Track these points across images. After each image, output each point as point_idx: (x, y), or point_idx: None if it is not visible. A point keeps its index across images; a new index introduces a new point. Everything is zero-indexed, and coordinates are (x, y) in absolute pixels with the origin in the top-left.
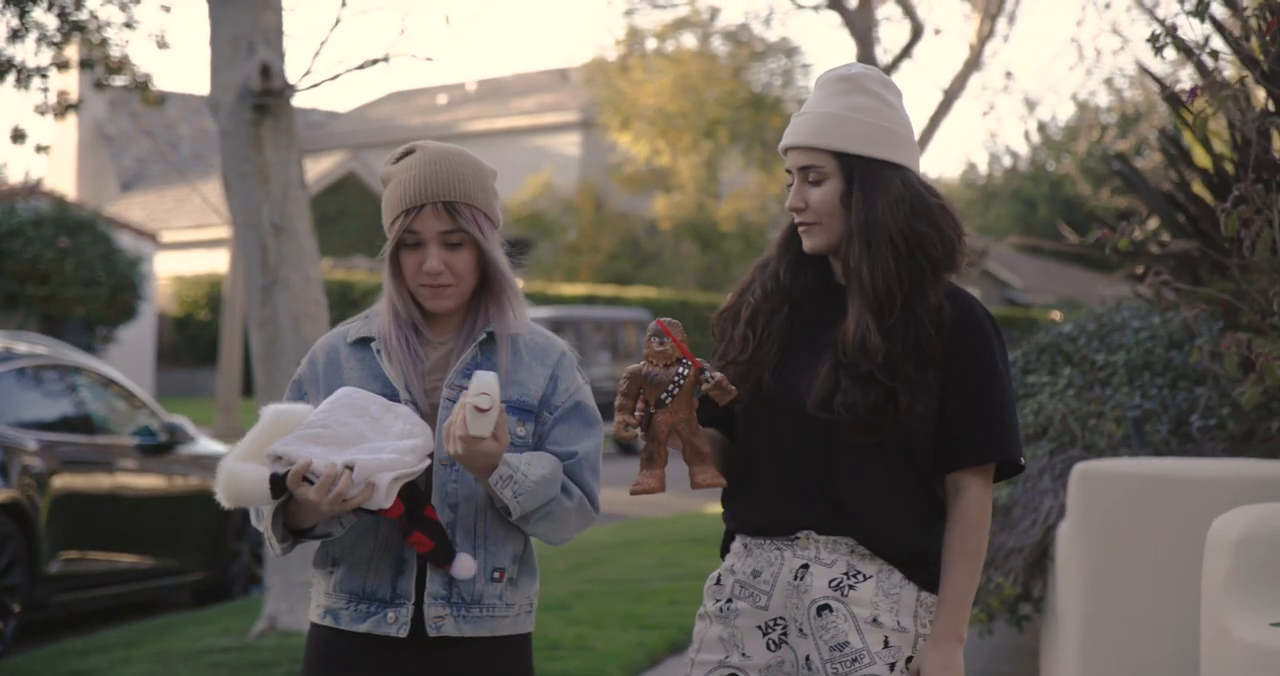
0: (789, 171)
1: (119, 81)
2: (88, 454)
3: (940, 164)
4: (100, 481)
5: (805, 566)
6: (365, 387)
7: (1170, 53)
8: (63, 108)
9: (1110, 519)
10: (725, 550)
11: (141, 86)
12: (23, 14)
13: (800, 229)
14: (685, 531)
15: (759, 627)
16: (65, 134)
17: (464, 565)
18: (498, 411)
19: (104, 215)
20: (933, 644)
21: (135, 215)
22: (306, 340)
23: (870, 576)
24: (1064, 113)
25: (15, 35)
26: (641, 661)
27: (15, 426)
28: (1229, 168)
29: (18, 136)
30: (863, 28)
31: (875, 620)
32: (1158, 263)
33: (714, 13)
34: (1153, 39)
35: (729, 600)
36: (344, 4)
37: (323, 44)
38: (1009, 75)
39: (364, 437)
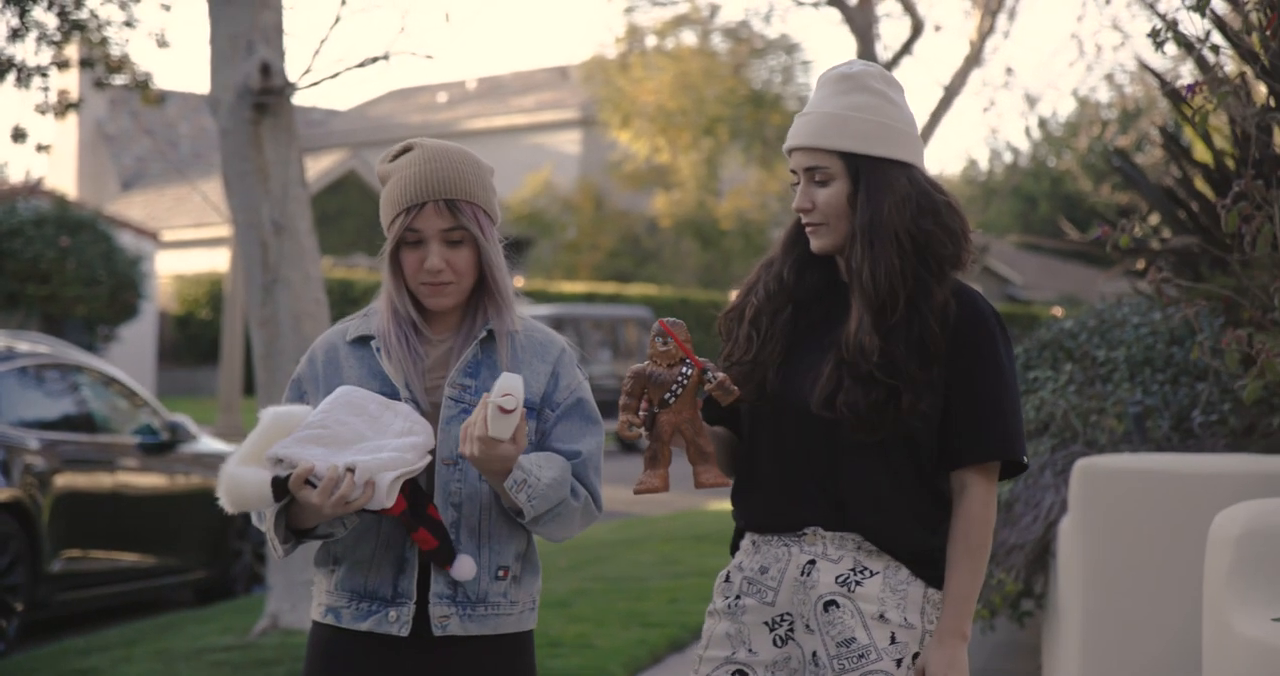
0: (794, 172)
1: (119, 80)
2: (89, 453)
3: (941, 160)
4: (102, 480)
5: (812, 562)
6: (365, 386)
7: (1171, 48)
8: (63, 107)
9: (1112, 514)
10: (735, 548)
11: (141, 85)
12: (23, 13)
13: (808, 229)
14: (686, 529)
15: (766, 623)
16: (65, 133)
17: (465, 566)
18: (520, 414)
19: (104, 214)
20: (937, 642)
21: (136, 214)
22: (307, 339)
23: (877, 572)
24: (1065, 109)
25: (15, 34)
26: (643, 659)
27: (17, 425)
28: (1230, 163)
29: (18, 136)
30: (863, 24)
31: (882, 616)
32: (1159, 259)
33: (714, 10)
34: (1153, 34)
35: (737, 597)
36: (344, 2)
37: (322, 42)
38: (1009, 71)
39: (363, 436)
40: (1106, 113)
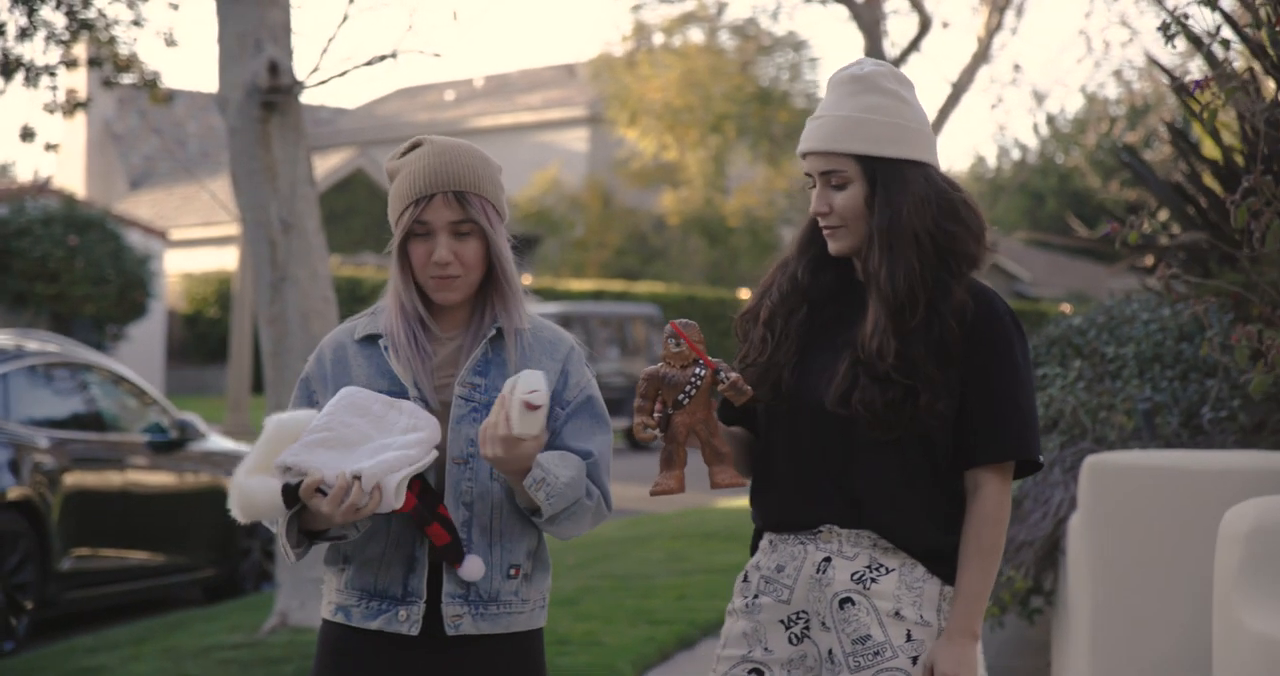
0: (809, 175)
1: (127, 79)
2: (99, 451)
3: (948, 157)
4: (111, 478)
5: (827, 559)
6: (373, 385)
7: (1180, 44)
8: (71, 106)
9: (1121, 511)
10: (755, 547)
11: (150, 84)
12: (31, 12)
13: (825, 232)
14: (694, 527)
15: (781, 621)
16: (74, 132)
17: (474, 566)
18: (545, 411)
19: (113, 213)
20: (946, 640)
21: (144, 213)
22: (315, 337)
23: (893, 569)
24: (1073, 105)
25: (24, 33)
26: (651, 656)
27: (26, 424)
28: (1239, 159)
29: (26, 135)
30: (870, 21)
31: (898, 613)
32: (1167, 255)
33: (721, 7)
34: (1163, 28)
35: (755, 595)
36: (351, 1)
37: (330, 41)
38: (1017, 68)
39: (369, 437)
40: (1115, 109)
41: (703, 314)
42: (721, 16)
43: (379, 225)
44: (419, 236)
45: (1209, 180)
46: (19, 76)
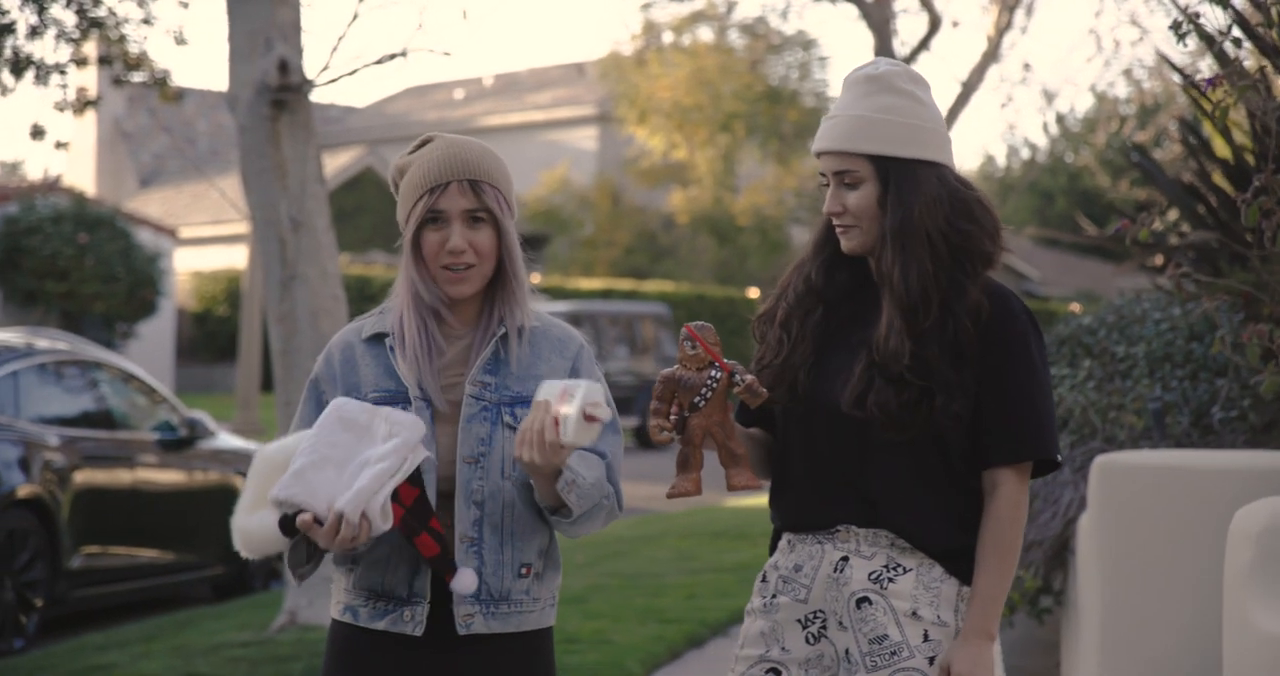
0: (823, 174)
1: (137, 78)
2: (108, 449)
3: (958, 156)
4: (121, 476)
5: (845, 559)
6: (380, 384)
7: (1190, 43)
8: (81, 104)
9: (1131, 511)
10: (774, 547)
11: (160, 82)
12: (41, 11)
13: (839, 231)
14: (703, 525)
15: (799, 621)
16: (84, 130)
17: (466, 580)
18: (603, 425)
19: (123, 211)
20: (962, 641)
21: (153, 211)
22: (324, 335)
23: (910, 569)
24: (1082, 104)
25: (34, 32)
26: (660, 655)
27: (36, 422)
28: (1249, 158)
29: (37, 133)
30: (880, 20)
31: (915, 613)
32: (1177, 254)
33: (730, 6)
34: (1175, 26)
35: (773, 595)
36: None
37: (340, 39)
38: (1027, 67)
39: (355, 452)
40: (1125, 108)
41: (712, 312)
42: (731, 15)
43: (388, 223)
44: (432, 226)
45: (1219, 179)
46: (29, 75)
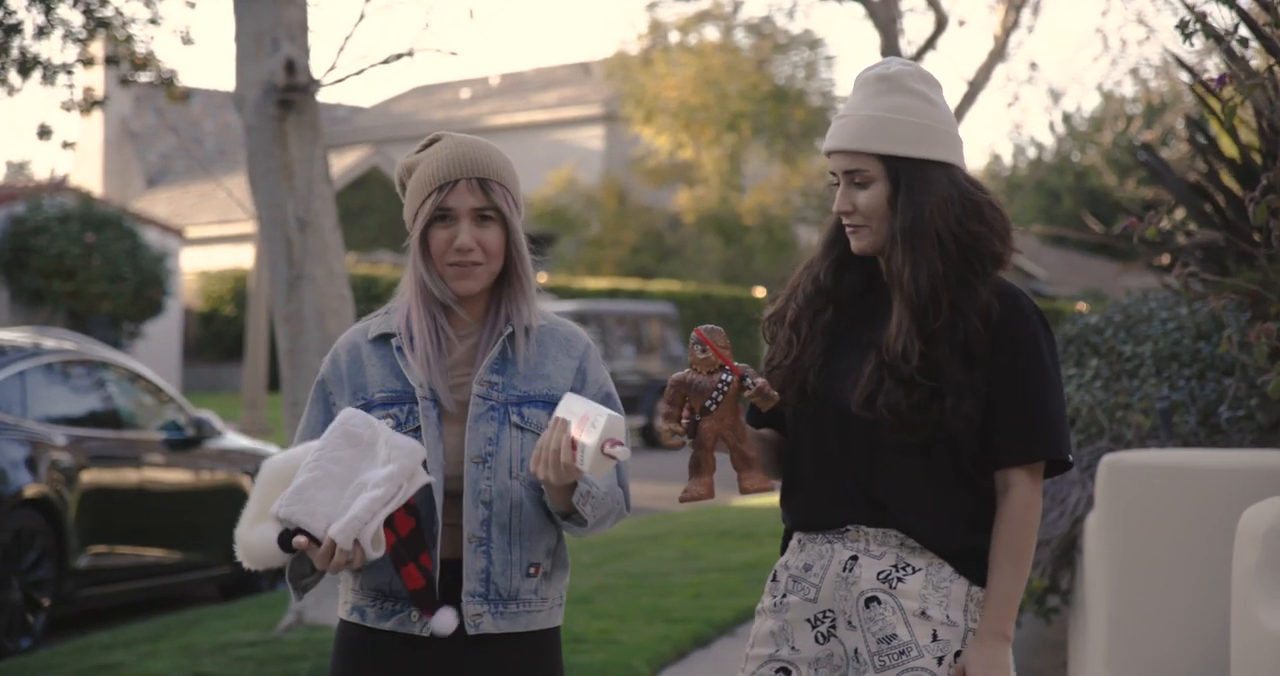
0: (833, 173)
1: (144, 78)
2: (115, 448)
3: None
4: (128, 476)
5: (854, 558)
6: (386, 385)
7: (1197, 42)
8: (88, 104)
9: (1138, 510)
10: (785, 548)
11: (167, 82)
12: (48, 10)
13: (848, 230)
14: (709, 525)
15: (808, 620)
16: (91, 130)
17: (444, 620)
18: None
19: (129, 211)
20: (977, 642)
21: (160, 211)
22: (331, 335)
23: (919, 569)
24: (1089, 103)
25: (41, 32)
26: (667, 654)
27: (43, 421)
28: (1256, 157)
29: (44, 133)
30: (886, 19)
31: (924, 613)
32: (1184, 253)
33: (737, 5)
34: (1182, 26)
35: (783, 595)
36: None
37: (347, 39)
38: (1034, 66)
39: (357, 470)
40: (1131, 107)
41: (718, 312)
42: (737, 15)
43: (394, 223)
44: (440, 224)
45: (1226, 178)
46: (36, 74)
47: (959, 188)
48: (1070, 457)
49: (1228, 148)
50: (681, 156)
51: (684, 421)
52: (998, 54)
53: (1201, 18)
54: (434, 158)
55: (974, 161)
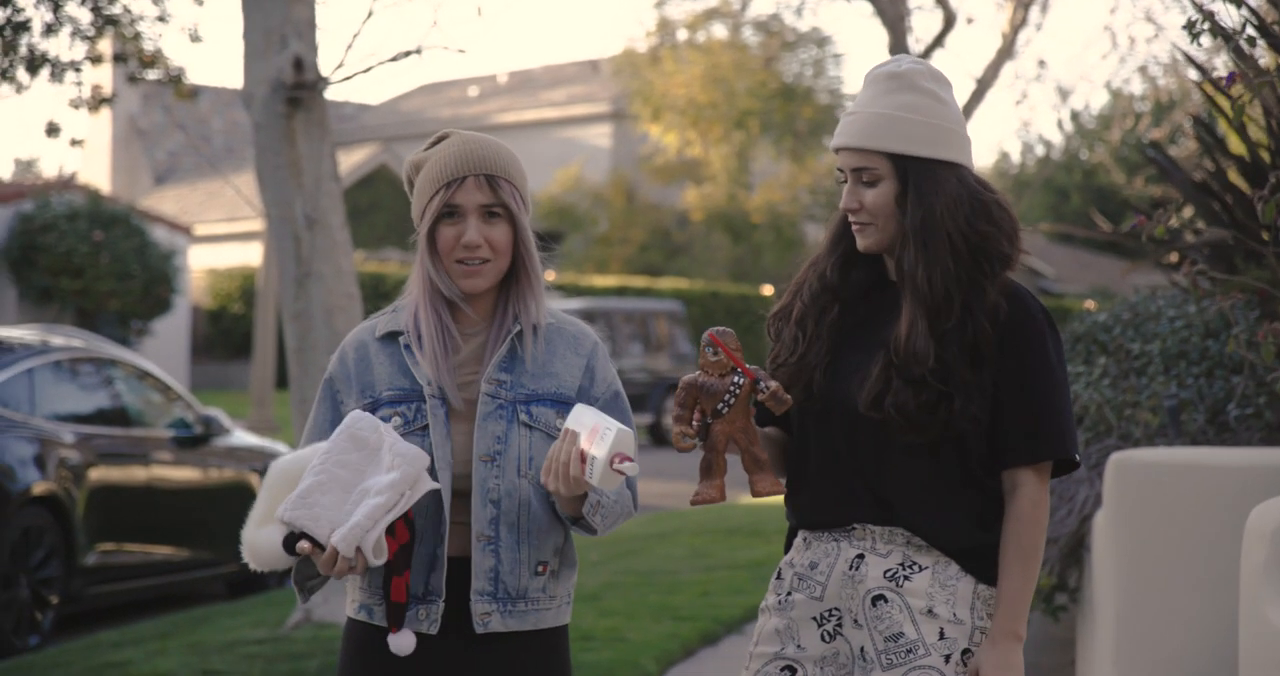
0: (840, 170)
1: (152, 75)
2: (123, 446)
3: (973, 153)
4: (136, 473)
5: (861, 556)
6: (394, 383)
7: (1205, 41)
8: (96, 101)
9: (1146, 508)
10: (789, 546)
11: (175, 80)
12: (57, 8)
13: (854, 228)
14: (717, 522)
15: (814, 619)
16: (99, 128)
17: (404, 640)
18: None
19: (137, 209)
20: (991, 643)
21: (168, 208)
22: (339, 332)
23: (926, 567)
24: (1097, 101)
25: (49, 29)
26: (675, 652)
27: (52, 419)
28: (1265, 155)
29: (52, 130)
30: (894, 17)
31: (930, 611)
32: (1193, 251)
33: (745, 3)
34: (1189, 25)
35: (788, 592)
36: None
37: (355, 37)
38: (1042, 64)
39: (362, 474)
40: (1139, 105)
41: (726, 310)
42: (745, 12)
43: (402, 221)
44: (448, 221)
45: (1234, 176)
46: (44, 72)
47: (968, 188)
48: (1078, 457)
49: (1236, 146)
50: (689, 154)
51: (695, 424)
52: (1006, 52)
53: (1210, 16)
54: (442, 155)
55: (982, 159)
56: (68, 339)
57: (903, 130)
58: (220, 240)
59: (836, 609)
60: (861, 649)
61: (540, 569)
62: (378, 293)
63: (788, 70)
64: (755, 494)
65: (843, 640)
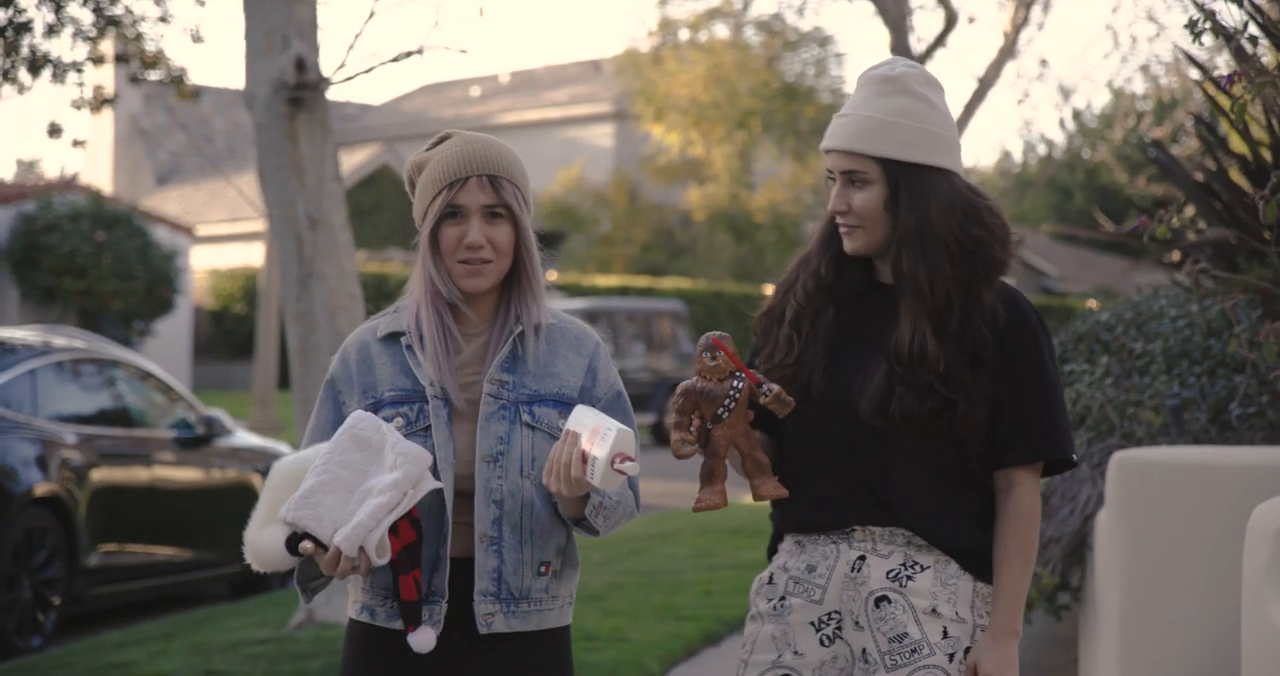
0: (830, 172)
1: (154, 76)
2: (126, 447)
3: (975, 152)
4: (138, 474)
5: (862, 558)
6: (396, 383)
7: (1206, 40)
8: (98, 102)
9: (1149, 507)
10: (773, 550)
11: (177, 81)
12: (58, 9)
13: (842, 230)
14: (720, 522)
15: (812, 623)
16: (101, 128)
17: (424, 638)
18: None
19: (140, 209)
20: (992, 641)
21: (171, 209)
22: (342, 333)
23: (928, 567)
24: (1099, 100)
25: (51, 30)
26: (678, 652)
27: (54, 420)
28: (1266, 154)
29: (54, 131)
30: (896, 16)
31: (934, 610)
32: (1195, 250)
33: (747, 2)
34: (1191, 25)
35: (782, 598)
36: None
37: (356, 37)
38: (1044, 63)
39: (364, 475)
40: (1141, 104)
41: (729, 309)
42: (747, 12)
43: (405, 221)
44: (451, 221)
45: (1236, 175)
46: (46, 73)
47: (959, 193)
48: (1075, 457)
49: (1237, 145)
50: (692, 154)
51: (694, 430)
52: (1008, 51)
53: (1211, 15)
54: (444, 155)
55: (984, 158)
56: (70, 340)
57: (894, 135)
58: (222, 240)
59: (836, 612)
60: (863, 650)
61: (543, 569)
62: (380, 293)
63: (790, 70)
64: (758, 498)
65: (842, 643)
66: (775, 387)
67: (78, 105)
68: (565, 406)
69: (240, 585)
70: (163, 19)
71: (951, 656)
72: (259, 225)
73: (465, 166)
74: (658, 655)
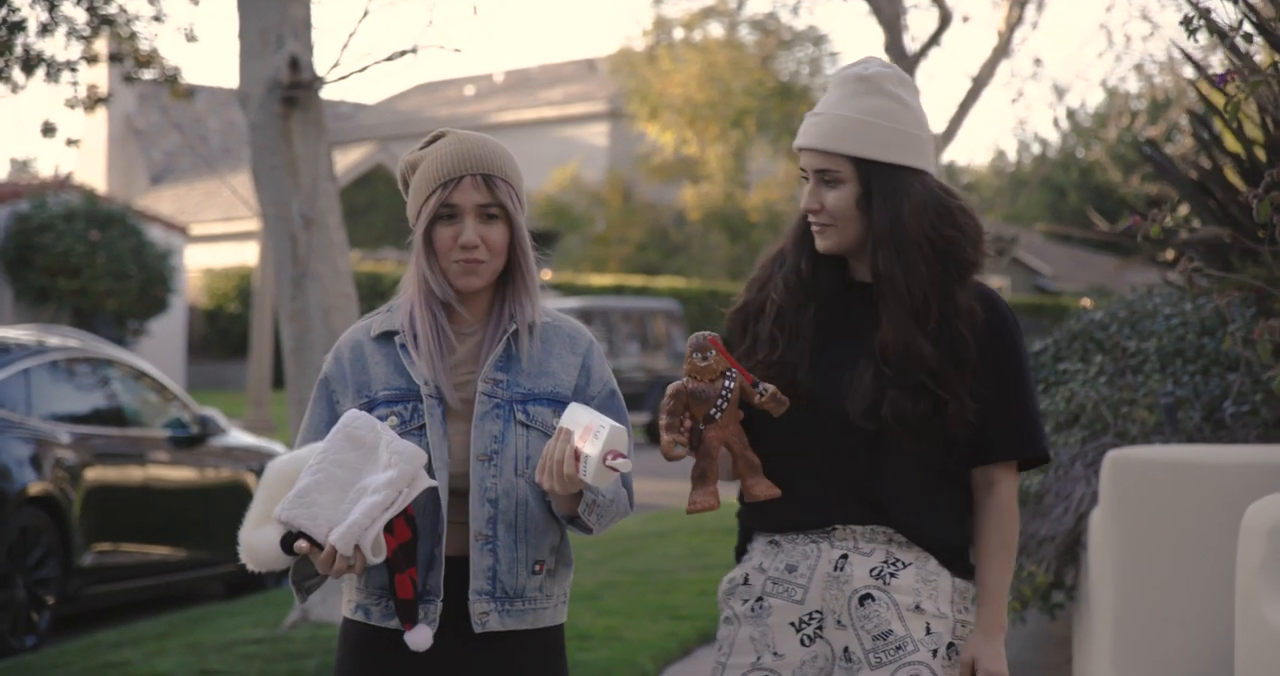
0: (803, 170)
1: (148, 75)
2: (120, 446)
3: (969, 151)
4: (132, 473)
5: (844, 556)
6: (390, 382)
7: (1201, 38)
8: (92, 101)
9: (1143, 506)
10: (742, 550)
11: (171, 80)
12: (52, 8)
13: (814, 229)
14: (715, 521)
15: (793, 624)
16: (95, 128)
17: (421, 636)
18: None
19: (134, 208)
20: (984, 636)
21: (165, 208)
22: (336, 332)
23: (909, 564)
24: (1093, 99)
25: (45, 29)
26: (672, 651)
27: (48, 419)
28: (1260, 153)
29: (48, 130)
30: (890, 15)
31: (918, 607)
32: (1189, 249)
33: (741, 2)
34: (1185, 22)
35: (759, 599)
36: None
37: (351, 36)
38: (1038, 62)
39: (359, 474)
40: (1136, 103)
41: (723, 308)
42: (741, 11)
43: (399, 220)
44: (445, 221)
45: (1230, 174)
46: (40, 72)
47: (931, 193)
48: (1051, 453)
49: (1232, 143)
50: (686, 153)
51: (684, 432)
52: (1002, 50)
53: (1206, 13)
54: (438, 154)
55: (978, 157)
56: (64, 339)
57: (867, 134)
58: (217, 240)
59: (818, 611)
60: (845, 649)
61: (537, 568)
62: (375, 292)
63: (784, 69)
64: (751, 498)
65: (823, 642)
66: (771, 387)
67: (72, 104)
68: (559, 405)
69: (235, 584)
70: (157, 18)
71: (935, 652)
72: (253, 225)
73: (459, 165)
74: (652, 654)
